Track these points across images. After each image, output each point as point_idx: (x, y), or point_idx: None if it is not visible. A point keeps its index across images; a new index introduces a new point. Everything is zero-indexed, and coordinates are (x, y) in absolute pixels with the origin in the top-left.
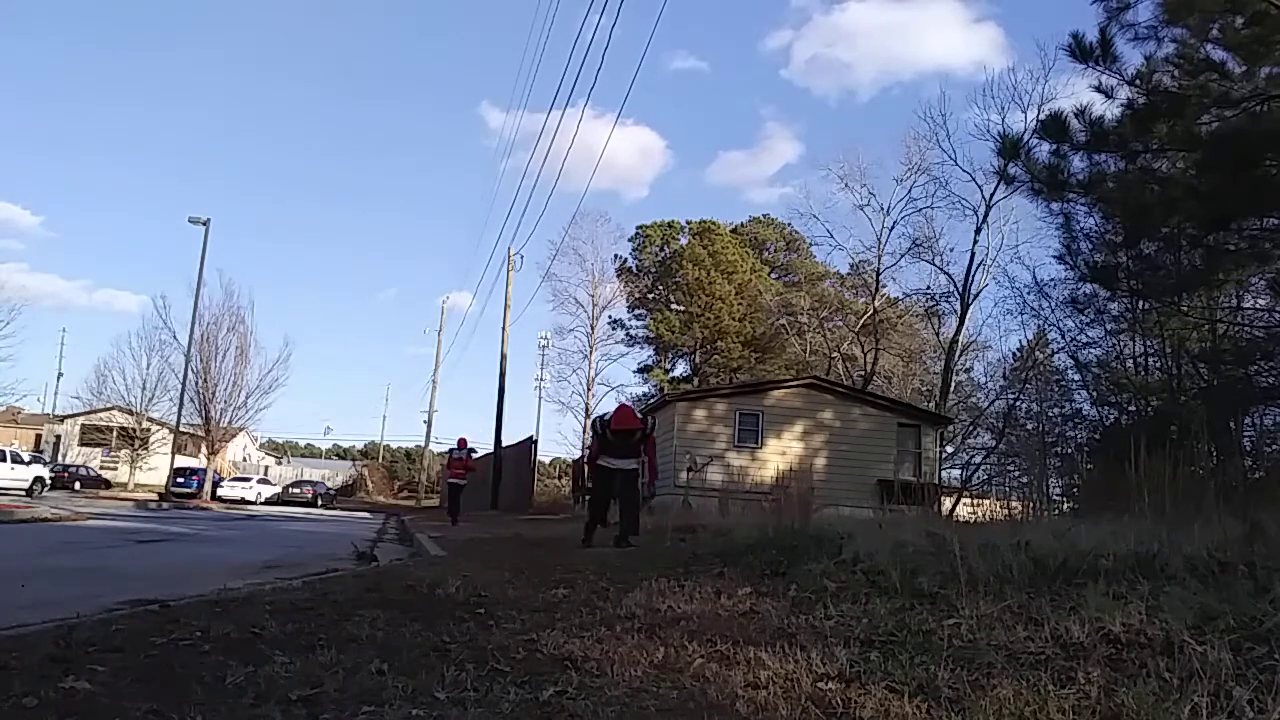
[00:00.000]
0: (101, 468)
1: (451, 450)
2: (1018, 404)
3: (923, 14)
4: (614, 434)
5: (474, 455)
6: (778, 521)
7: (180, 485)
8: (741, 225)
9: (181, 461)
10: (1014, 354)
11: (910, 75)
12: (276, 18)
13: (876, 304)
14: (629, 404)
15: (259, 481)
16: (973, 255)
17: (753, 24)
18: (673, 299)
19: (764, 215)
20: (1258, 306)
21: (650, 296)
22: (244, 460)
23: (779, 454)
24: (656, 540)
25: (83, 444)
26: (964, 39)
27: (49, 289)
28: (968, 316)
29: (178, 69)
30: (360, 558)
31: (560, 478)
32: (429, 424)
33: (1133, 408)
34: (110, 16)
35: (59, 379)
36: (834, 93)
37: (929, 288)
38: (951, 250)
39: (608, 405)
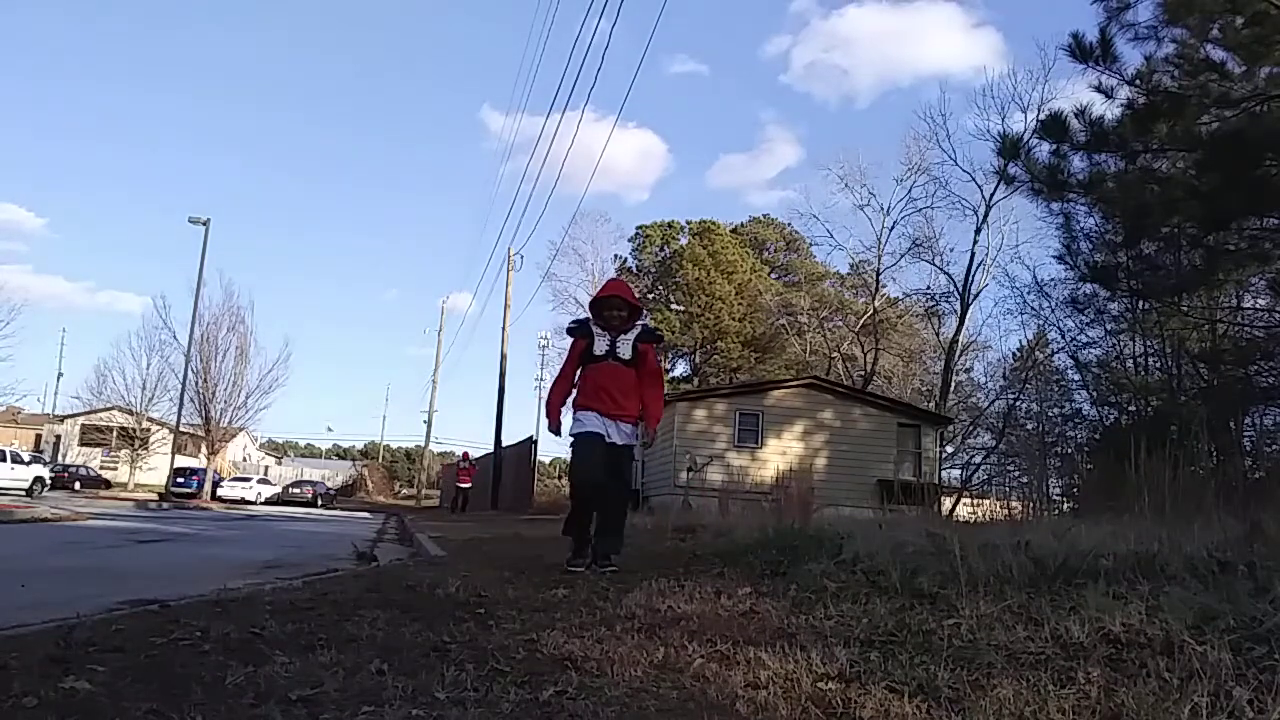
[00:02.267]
0: (101, 468)
1: (458, 462)
2: (1018, 404)
3: (921, 19)
4: (602, 307)
5: (473, 465)
6: (778, 521)
7: (180, 485)
8: (741, 225)
9: (181, 461)
10: (1014, 354)
11: (910, 81)
12: (278, 20)
13: (876, 304)
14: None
15: (259, 481)
16: (973, 255)
17: (752, 29)
18: (673, 299)
19: (764, 215)
20: (1258, 306)
21: (650, 296)
22: (244, 460)
23: (779, 454)
24: (656, 540)
25: (83, 444)
26: (963, 44)
27: (53, 290)
28: (968, 316)
29: (181, 71)
30: (360, 558)
31: (560, 478)
32: (429, 424)
33: (1133, 408)
34: (114, 20)
35: (59, 379)
36: (834, 98)
37: (929, 288)
38: (951, 250)
39: None
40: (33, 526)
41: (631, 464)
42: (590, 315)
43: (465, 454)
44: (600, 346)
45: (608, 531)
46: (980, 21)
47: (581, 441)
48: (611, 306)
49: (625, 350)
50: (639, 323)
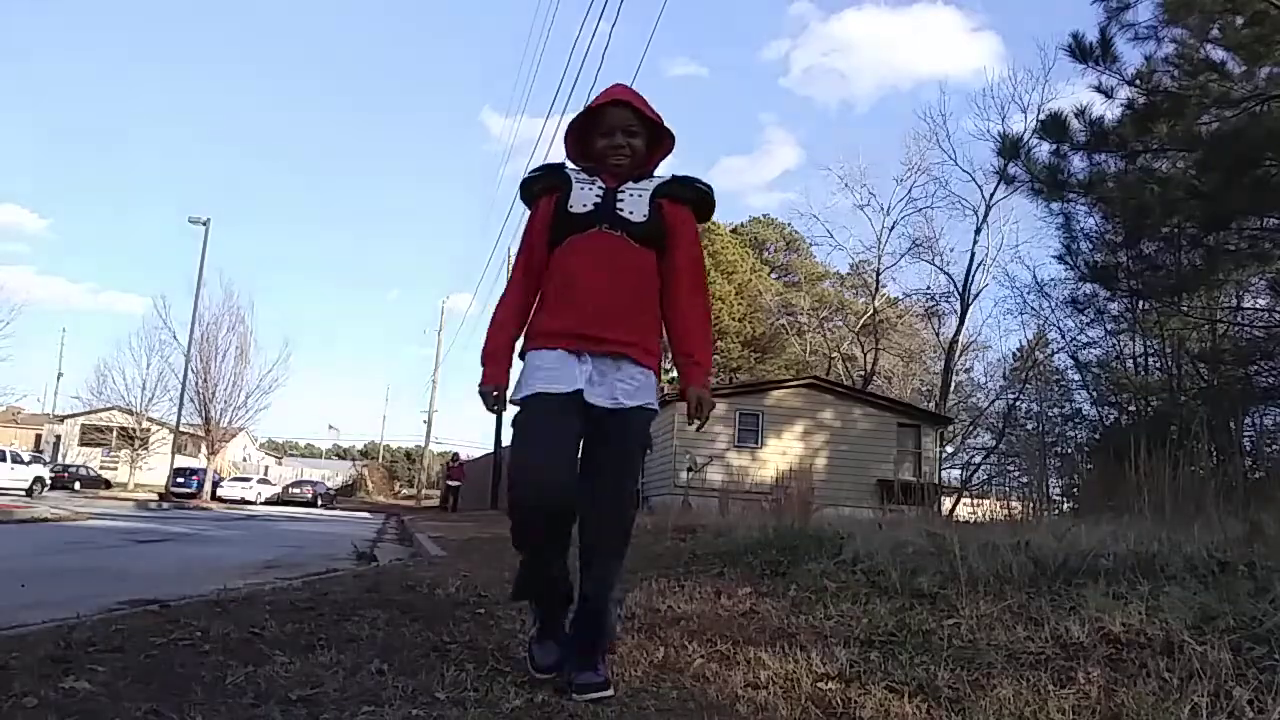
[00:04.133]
0: (101, 468)
1: (449, 462)
2: (1018, 404)
3: (920, 23)
4: (596, 127)
5: (462, 465)
6: (778, 521)
7: (180, 485)
8: (741, 225)
9: (181, 461)
10: (1014, 354)
11: (909, 84)
12: (280, 21)
13: (876, 304)
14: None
15: (259, 481)
16: (973, 255)
17: (751, 32)
18: None
19: (764, 215)
20: (1258, 306)
21: None
22: (244, 460)
23: (779, 454)
24: (656, 540)
25: (83, 444)
26: (963, 48)
27: (55, 292)
28: (968, 316)
29: (181, 71)
30: (360, 558)
31: None
32: (429, 424)
33: (1133, 408)
34: (114, 20)
35: (59, 379)
36: (834, 101)
37: (929, 288)
38: (951, 250)
39: None
40: (33, 526)
41: (644, 453)
42: (569, 155)
43: (455, 454)
44: (583, 199)
45: (601, 580)
46: (980, 25)
47: (530, 415)
48: (611, 125)
49: (636, 208)
50: (664, 169)
